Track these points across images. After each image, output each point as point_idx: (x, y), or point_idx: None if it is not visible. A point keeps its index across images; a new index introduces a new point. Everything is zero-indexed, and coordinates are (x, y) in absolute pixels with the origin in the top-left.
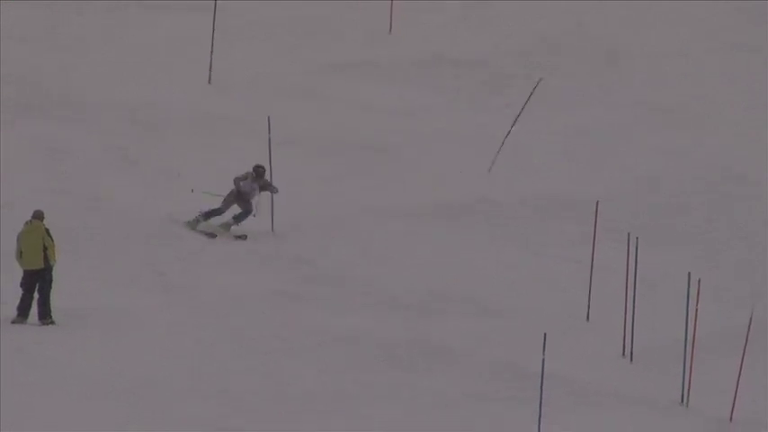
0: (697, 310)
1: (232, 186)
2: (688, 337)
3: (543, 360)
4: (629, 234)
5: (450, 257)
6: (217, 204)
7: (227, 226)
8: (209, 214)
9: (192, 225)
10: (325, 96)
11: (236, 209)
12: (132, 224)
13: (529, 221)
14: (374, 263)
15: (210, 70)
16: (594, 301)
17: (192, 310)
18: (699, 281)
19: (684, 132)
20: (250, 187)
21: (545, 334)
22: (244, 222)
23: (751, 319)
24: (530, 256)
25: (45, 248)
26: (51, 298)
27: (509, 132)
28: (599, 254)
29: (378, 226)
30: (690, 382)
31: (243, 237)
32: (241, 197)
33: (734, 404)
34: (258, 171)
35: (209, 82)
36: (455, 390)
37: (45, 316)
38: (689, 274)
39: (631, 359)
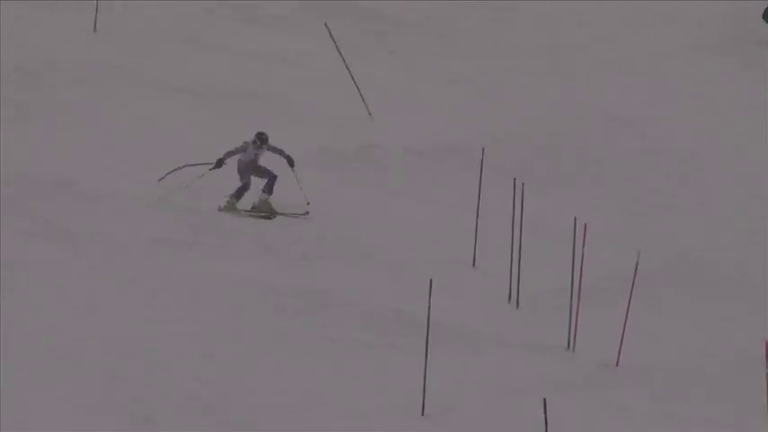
0: (583, 255)
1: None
2: (574, 283)
3: (429, 307)
4: (514, 179)
5: (335, 204)
6: (238, 183)
7: (266, 204)
8: (239, 193)
9: (229, 208)
10: (210, 44)
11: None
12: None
13: (414, 168)
14: None
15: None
16: (481, 246)
17: (77, 257)
18: (585, 225)
19: (570, 78)
20: (254, 155)
21: (431, 280)
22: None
23: (637, 264)
24: (415, 202)
25: None
26: None
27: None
28: (485, 199)
29: None
30: (576, 328)
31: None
32: (254, 168)
33: (620, 349)
34: (261, 138)
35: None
36: (341, 337)
37: None
38: (575, 218)
39: (518, 305)
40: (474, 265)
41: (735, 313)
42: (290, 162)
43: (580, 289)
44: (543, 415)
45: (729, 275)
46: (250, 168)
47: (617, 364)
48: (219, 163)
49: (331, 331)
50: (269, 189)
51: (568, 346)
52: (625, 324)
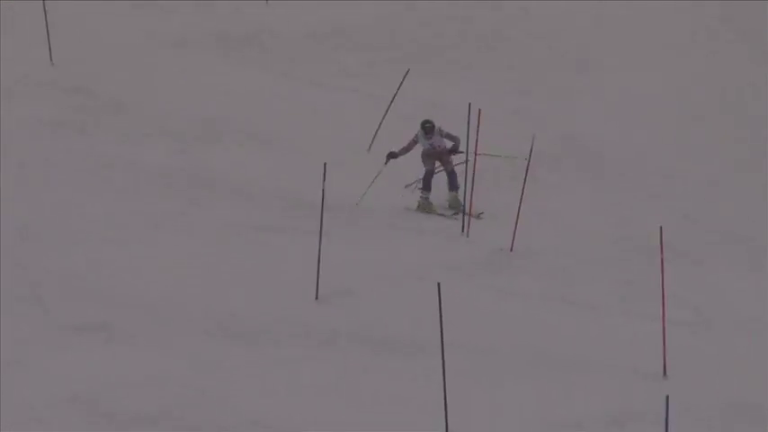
0: (477, 137)
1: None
2: (469, 166)
3: (323, 190)
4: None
5: (229, 87)
6: (420, 173)
7: (455, 200)
8: (426, 184)
9: (426, 207)
10: None
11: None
12: None
13: (307, 51)
14: (153, 92)
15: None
16: (376, 129)
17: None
18: (479, 111)
19: None
20: (428, 145)
21: (325, 164)
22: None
23: (531, 149)
24: (309, 86)
25: None
26: None
27: None
28: (379, 82)
29: (158, 57)
30: (471, 212)
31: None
32: (435, 155)
33: (514, 235)
34: (425, 127)
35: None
36: (237, 219)
37: None
38: (470, 104)
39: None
40: (369, 149)
41: (631, 200)
42: (455, 148)
43: (474, 173)
44: (437, 298)
45: (626, 162)
46: (433, 156)
47: (511, 250)
48: (392, 156)
49: (227, 213)
50: (452, 185)
51: (462, 230)
52: (519, 209)
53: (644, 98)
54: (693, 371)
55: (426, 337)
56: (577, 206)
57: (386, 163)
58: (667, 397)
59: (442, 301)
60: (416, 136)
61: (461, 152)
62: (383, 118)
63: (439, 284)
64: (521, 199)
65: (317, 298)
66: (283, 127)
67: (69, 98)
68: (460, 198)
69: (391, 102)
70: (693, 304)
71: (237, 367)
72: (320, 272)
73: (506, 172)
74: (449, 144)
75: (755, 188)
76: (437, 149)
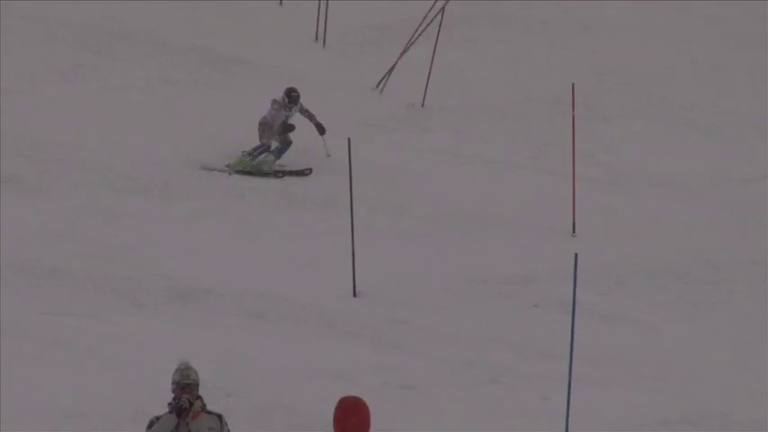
0: None
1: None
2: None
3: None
4: None
5: None
6: (256, 141)
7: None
8: (256, 153)
9: (241, 165)
10: None
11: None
12: None
13: None
14: None
15: None
16: None
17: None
18: None
19: None
20: (284, 116)
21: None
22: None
23: (444, 7)
24: None
25: None
26: None
27: None
28: None
29: None
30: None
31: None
32: (281, 128)
33: (426, 90)
34: (291, 96)
35: None
36: (145, 72)
37: None
38: None
39: (324, 44)
40: (281, 3)
41: (541, 54)
42: (321, 129)
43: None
44: (348, 153)
45: (541, 18)
46: (274, 130)
47: (422, 105)
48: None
49: (135, 67)
50: (279, 153)
51: (377, 86)
52: (431, 65)
53: None
54: (601, 229)
55: (337, 193)
56: (489, 62)
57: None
58: (576, 254)
59: (352, 156)
60: (276, 102)
61: (323, 131)
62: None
63: (349, 140)
64: (433, 54)
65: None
66: None
67: None
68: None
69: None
70: (604, 162)
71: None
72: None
73: (422, 27)
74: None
75: (672, 45)
76: (285, 123)
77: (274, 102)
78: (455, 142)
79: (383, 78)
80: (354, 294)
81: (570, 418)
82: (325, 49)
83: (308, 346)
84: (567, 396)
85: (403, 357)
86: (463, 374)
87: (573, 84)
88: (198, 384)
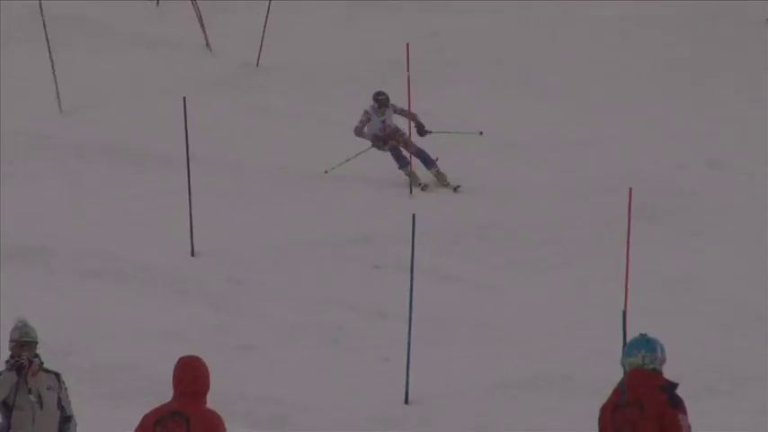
0: None
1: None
2: None
3: None
4: None
5: None
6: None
7: (441, 176)
8: (399, 160)
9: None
10: None
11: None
12: None
13: None
14: None
15: None
16: None
17: None
18: None
19: None
20: (380, 123)
21: None
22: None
23: None
24: None
25: None
26: None
27: None
28: None
29: None
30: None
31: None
32: (389, 137)
33: (260, 49)
34: (379, 100)
35: None
36: None
37: None
38: None
39: (158, 3)
40: None
41: (378, 15)
42: (420, 131)
43: None
44: (183, 113)
45: None
46: (384, 140)
47: (257, 65)
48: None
49: None
50: (430, 163)
51: (207, 44)
52: (266, 23)
53: None
54: (439, 190)
55: (173, 152)
56: (325, 22)
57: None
58: (413, 215)
59: (188, 117)
60: (367, 113)
61: (429, 131)
62: None
63: (185, 99)
64: (267, 13)
65: (61, 111)
66: None
67: None
68: (443, 172)
69: None
70: (442, 123)
71: None
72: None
73: None
74: (399, 122)
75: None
76: (387, 129)
77: (365, 112)
78: (291, 102)
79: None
80: (192, 254)
81: (411, 379)
82: (158, 8)
83: (146, 306)
84: (407, 356)
85: (242, 318)
86: (303, 335)
87: (408, 44)
88: (37, 342)
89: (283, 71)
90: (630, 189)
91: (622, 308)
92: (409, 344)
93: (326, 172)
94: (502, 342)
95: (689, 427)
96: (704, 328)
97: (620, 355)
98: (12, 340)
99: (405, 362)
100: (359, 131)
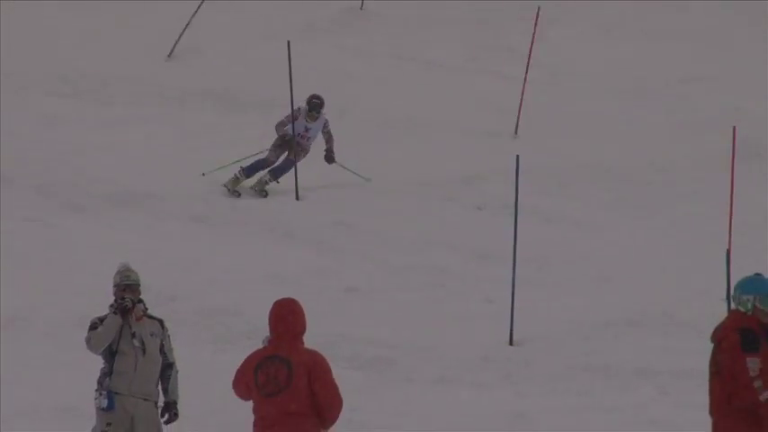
0: None
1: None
2: None
3: None
4: None
5: None
6: (263, 155)
7: (261, 184)
8: (252, 169)
9: (233, 184)
10: None
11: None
12: None
13: None
14: None
15: None
16: None
17: None
18: None
19: None
20: (303, 128)
21: None
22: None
23: None
24: None
25: None
26: None
27: None
28: None
29: None
30: None
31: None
32: (291, 143)
33: None
34: (312, 103)
35: None
36: None
37: None
38: None
39: None
40: None
41: None
42: (329, 159)
43: None
44: (288, 56)
45: None
46: (287, 145)
47: (361, 8)
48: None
49: None
50: (275, 175)
51: None
52: None
53: None
54: (543, 130)
55: (277, 96)
56: None
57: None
58: (517, 156)
59: (291, 60)
60: (299, 110)
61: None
62: None
63: (288, 42)
64: None
65: (169, 56)
66: None
67: None
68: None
69: None
70: (544, 63)
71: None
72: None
73: None
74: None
75: None
76: (305, 137)
77: (298, 108)
78: (394, 45)
79: None
80: (297, 198)
81: (514, 320)
82: None
83: (250, 250)
84: (511, 298)
85: (345, 261)
86: (406, 277)
87: None
88: (139, 285)
89: (386, 15)
90: (734, 128)
91: (726, 247)
92: (513, 285)
93: (204, 174)
94: (605, 282)
95: (758, 370)
96: None
97: (725, 294)
98: (115, 285)
99: (509, 303)
100: (283, 125)
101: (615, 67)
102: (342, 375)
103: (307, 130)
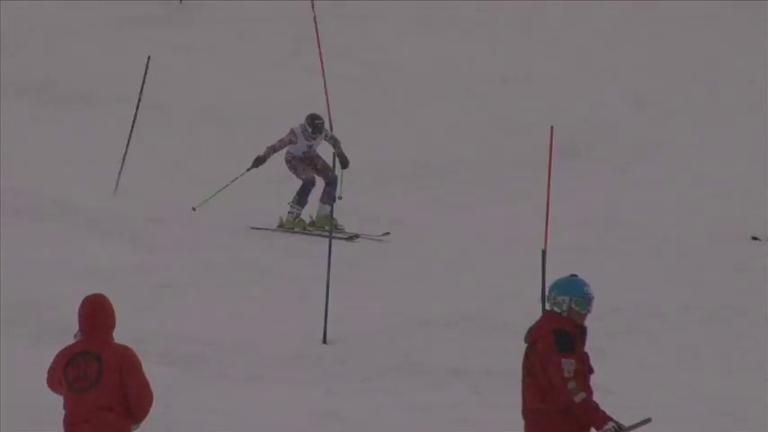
0: None
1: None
2: None
3: None
4: None
5: None
6: (296, 180)
7: (325, 220)
8: (301, 197)
9: (297, 224)
10: None
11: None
12: None
13: None
14: None
15: None
16: None
17: None
18: None
19: None
20: (306, 147)
21: None
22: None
23: None
24: None
25: None
26: None
27: None
28: None
29: None
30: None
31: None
32: (311, 162)
33: None
34: (315, 125)
35: None
36: None
37: None
38: None
39: None
40: None
41: None
42: (344, 163)
43: None
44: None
45: None
46: (305, 163)
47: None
48: (259, 161)
49: None
50: (329, 197)
51: None
52: None
53: None
54: (359, 128)
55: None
56: None
57: (248, 169)
58: (334, 154)
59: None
60: (293, 133)
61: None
62: None
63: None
64: None
65: None
66: None
67: None
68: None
69: None
70: (368, 61)
71: None
72: None
73: None
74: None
75: None
76: (310, 154)
77: (291, 132)
78: (212, 40)
79: None
80: (115, 192)
81: (328, 319)
82: None
83: (66, 245)
84: (325, 294)
85: (159, 256)
86: (221, 273)
87: None
88: None
89: (209, 7)
90: (552, 127)
91: (542, 247)
92: (328, 283)
93: (194, 209)
94: (420, 281)
95: (573, 372)
96: (624, 266)
97: (539, 293)
98: None
99: (323, 301)
100: (274, 151)
101: (438, 65)
102: (154, 371)
103: (310, 147)
